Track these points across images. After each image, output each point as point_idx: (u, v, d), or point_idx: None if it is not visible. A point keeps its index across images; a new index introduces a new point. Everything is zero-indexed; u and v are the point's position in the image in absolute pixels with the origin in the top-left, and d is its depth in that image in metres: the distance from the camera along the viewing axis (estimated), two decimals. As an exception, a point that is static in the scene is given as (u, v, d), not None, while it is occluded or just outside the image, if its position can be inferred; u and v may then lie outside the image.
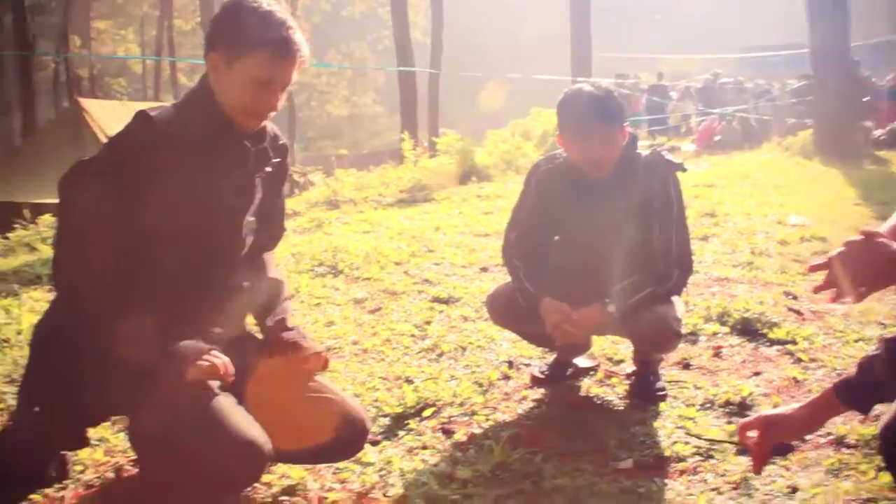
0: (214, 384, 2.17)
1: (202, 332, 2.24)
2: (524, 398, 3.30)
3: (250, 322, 2.62)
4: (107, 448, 2.75)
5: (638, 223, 3.08)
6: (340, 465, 2.63)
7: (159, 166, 2.15)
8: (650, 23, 51.29)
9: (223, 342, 2.27)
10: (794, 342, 3.80)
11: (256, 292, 2.51)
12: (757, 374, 3.49)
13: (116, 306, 2.13)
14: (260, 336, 2.58)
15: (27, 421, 2.43)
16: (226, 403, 2.13)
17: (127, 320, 2.11)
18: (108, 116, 16.34)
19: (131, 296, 2.14)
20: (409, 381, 3.42)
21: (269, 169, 2.41)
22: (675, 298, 3.15)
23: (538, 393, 3.35)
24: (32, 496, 2.41)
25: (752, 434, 2.04)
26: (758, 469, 2.07)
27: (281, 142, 2.47)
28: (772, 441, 2.02)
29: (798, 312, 4.30)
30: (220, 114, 2.24)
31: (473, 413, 3.12)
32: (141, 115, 2.20)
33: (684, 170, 3.21)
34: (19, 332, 3.86)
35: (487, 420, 3.07)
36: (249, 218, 2.39)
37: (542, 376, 3.46)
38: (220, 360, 2.14)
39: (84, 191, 2.22)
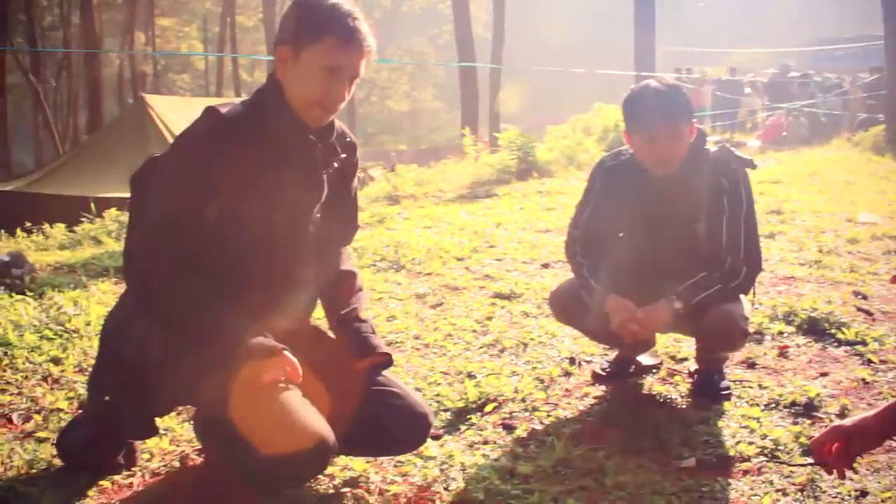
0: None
1: (268, 325, 2.27)
2: (586, 395, 3.28)
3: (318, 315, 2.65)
4: (172, 437, 2.81)
5: (705, 220, 3.05)
6: (402, 458, 2.65)
7: (227, 161, 2.18)
8: (716, 16, 50.44)
9: (289, 335, 2.29)
10: (863, 343, 3.71)
11: (327, 285, 2.54)
12: (824, 374, 3.42)
13: (187, 299, 2.18)
14: (326, 329, 2.61)
15: (98, 410, 2.50)
16: (291, 395, 2.16)
17: (198, 312, 2.15)
18: (172, 112, 16.69)
19: (201, 288, 2.18)
20: (470, 376, 3.43)
21: (336, 165, 2.43)
22: (741, 297, 3.10)
23: (600, 390, 3.33)
24: (101, 483, 2.47)
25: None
26: (843, 475, 2.02)
27: (349, 139, 2.48)
28: (853, 454, 1.96)
29: (868, 313, 4.20)
30: (288, 109, 2.27)
31: (535, 409, 3.12)
32: (210, 111, 2.24)
33: (754, 166, 3.16)
34: (88, 324, 3.94)
35: (549, 416, 3.07)
36: (316, 214, 2.41)
37: (604, 373, 3.43)
38: (292, 362, 2.17)
39: (155, 186, 2.27)
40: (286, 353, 2.17)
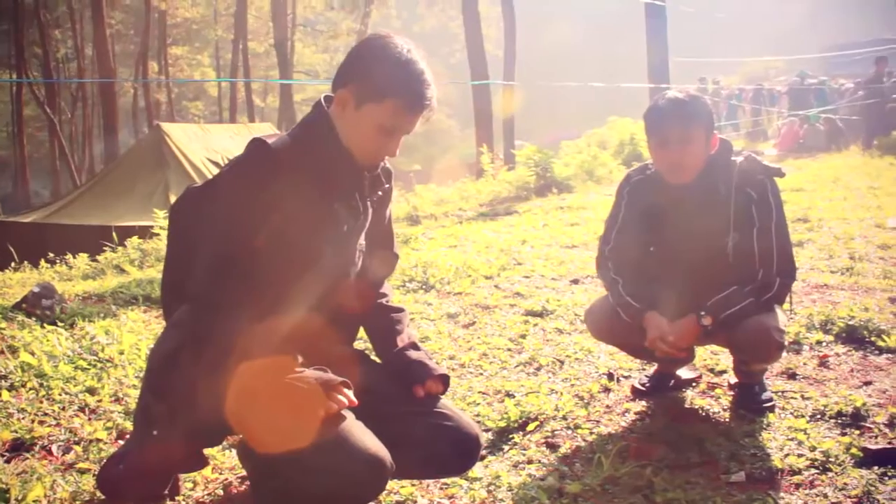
0: None
1: (315, 349, 2.24)
2: (627, 410, 3.25)
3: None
4: (214, 465, 2.79)
5: (735, 231, 3.01)
6: (447, 480, 2.62)
7: (278, 192, 2.15)
8: (728, 26, 50.36)
9: (336, 358, 2.27)
10: (905, 350, 3.66)
11: (372, 316, 2.54)
12: (868, 383, 3.37)
13: (230, 327, 2.14)
14: (373, 356, 2.58)
15: (145, 444, 2.46)
16: (345, 419, 2.13)
17: (246, 342, 2.11)
18: (188, 139, 16.79)
19: (245, 316, 2.14)
20: (509, 395, 3.40)
21: (380, 193, 2.43)
22: (776, 308, 3.06)
23: (640, 405, 3.30)
24: (146, 513, 2.46)
25: None
26: None
27: (386, 166, 2.47)
28: None
29: (906, 319, 4.14)
30: (339, 146, 2.24)
31: (577, 426, 3.08)
32: (257, 143, 2.19)
33: (782, 174, 3.13)
34: (121, 353, 3.93)
35: (591, 433, 3.03)
36: (361, 241, 2.40)
37: (644, 388, 3.40)
38: (349, 396, 2.14)
39: (207, 222, 2.24)
40: (344, 389, 2.14)
